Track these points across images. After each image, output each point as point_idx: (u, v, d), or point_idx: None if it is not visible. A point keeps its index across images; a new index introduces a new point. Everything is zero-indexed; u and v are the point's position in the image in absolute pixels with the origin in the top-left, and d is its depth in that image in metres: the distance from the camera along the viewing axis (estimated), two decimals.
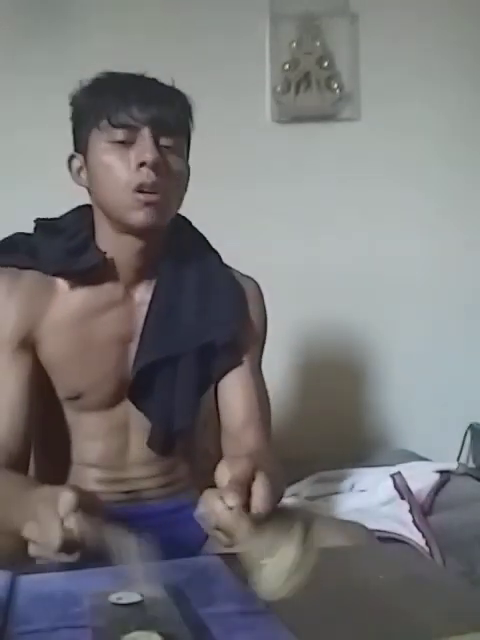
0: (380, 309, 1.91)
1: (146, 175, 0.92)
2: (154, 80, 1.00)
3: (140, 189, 0.92)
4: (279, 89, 1.87)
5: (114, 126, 0.94)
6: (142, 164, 0.92)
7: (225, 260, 1.12)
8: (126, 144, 0.94)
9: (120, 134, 0.94)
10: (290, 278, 1.84)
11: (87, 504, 0.72)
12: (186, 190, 1.04)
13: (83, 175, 1.00)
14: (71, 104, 1.00)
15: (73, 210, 1.07)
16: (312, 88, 1.88)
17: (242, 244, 1.78)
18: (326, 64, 1.87)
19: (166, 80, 1.01)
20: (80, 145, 0.99)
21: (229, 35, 1.86)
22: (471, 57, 1.93)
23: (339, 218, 1.90)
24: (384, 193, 1.91)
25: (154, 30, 1.84)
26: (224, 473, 0.80)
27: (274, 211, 1.87)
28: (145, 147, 0.93)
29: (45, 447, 1.07)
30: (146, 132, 0.93)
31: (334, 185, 1.90)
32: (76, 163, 1.01)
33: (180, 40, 1.84)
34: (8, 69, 1.81)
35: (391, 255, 1.92)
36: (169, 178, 0.95)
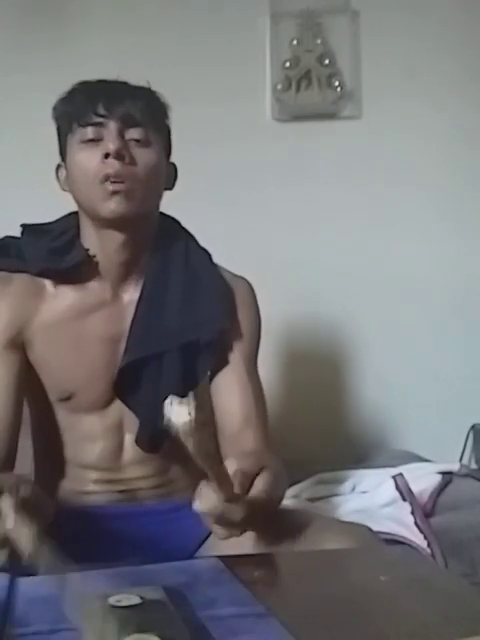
0: (381, 308, 1.91)
1: (111, 165, 0.96)
2: (124, 82, 1.03)
3: (107, 179, 0.96)
4: (280, 87, 1.87)
5: (83, 126, 0.98)
6: (107, 155, 0.96)
7: (224, 258, 1.12)
8: (96, 141, 0.98)
9: (89, 132, 0.98)
10: (290, 277, 1.84)
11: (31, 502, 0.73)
12: (170, 186, 1.06)
13: (67, 181, 1.03)
14: (53, 117, 1.04)
15: (61, 216, 1.10)
16: (313, 86, 1.87)
17: (241, 242, 1.79)
18: (327, 62, 1.87)
19: (143, 81, 1.03)
20: (63, 154, 1.03)
21: (229, 33, 1.86)
22: (472, 54, 1.93)
23: (339, 216, 1.90)
24: (384, 191, 1.91)
25: (154, 29, 1.84)
26: (231, 465, 0.79)
27: (274, 209, 1.87)
28: (109, 139, 0.96)
29: (45, 449, 1.08)
30: (112, 126, 0.97)
31: (334, 183, 1.89)
32: (62, 172, 1.05)
33: (180, 38, 1.84)
34: (8, 68, 1.81)
35: (391, 254, 1.91)
36: (137, 168, 0.98)
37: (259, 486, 0.77)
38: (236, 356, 1.06)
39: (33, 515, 0.70)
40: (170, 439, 1.03)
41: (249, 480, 0.76)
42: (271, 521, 0.83)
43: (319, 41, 1.87)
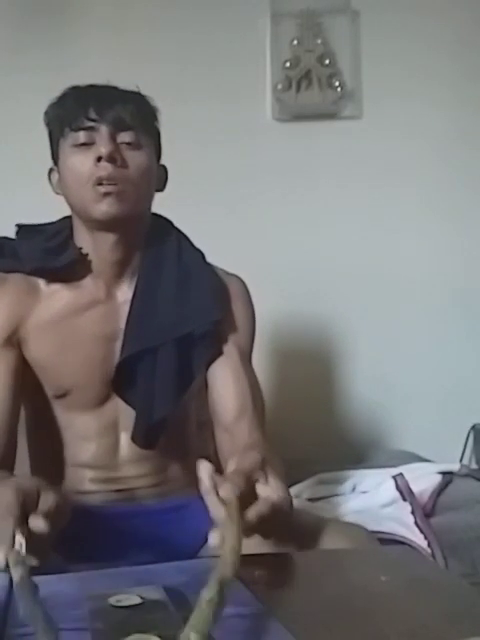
0: (381, 308, 1.91)
1: (103, 168, 0.97)
2: (114, 86, 1.04)
3: (99, 182, 0.97)
4: (280, 87, 1.87)
5: (74, 130, 0.99)
6: (99, 159, 0.97)
7: (223, 256, 1.13)
8: (88, 145, 0.99)
9: (81, 137, 0.99)
10: (290, 276, 1.84)
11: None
12: (161, 187, 1.08)
13: (60, 184, 1.04)
14: (44, 122, 1.04)
15: (58, 219, 1.11)
16: (313, 86, 1.88)
17: (241, 241, 1.79)
18: (327, 62, 1.87)
19: (134, 85, 1.04)
20: (55, 157, 1.04)
21: (230, 33, 1.86)
22: (472, 55, 1.93)
23: (340, 216, 1.90)
24: (385, 191, 1.91)
25: (154, 29, 1.84)
26: (230, 465, 0.79)
27: (274, 209, 1.87)
28: (101, 143, 0.98)
29: (42, 448, 1.08)
30: (103, 130, 0.99)
31: (335, 183, 1.90)
32: (55, 176, 1.06)
33: (180, 38, 1.84)
34: (8, 69, 1.81)
35: (391, 254, 1.91)
36: (129, 171, 0.99)
37: (268, 491, 0.76)
38: (231, 348, 1.06)
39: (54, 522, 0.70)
40: (168, 437, 1.04)
41: (243, 479, 0.75)
42: (288, 522, 0.81)
43: (319, 41, 1.87)
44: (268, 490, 0.75)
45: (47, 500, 0.71)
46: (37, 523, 0.68)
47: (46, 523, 0.68)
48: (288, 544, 0.87)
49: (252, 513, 0.72)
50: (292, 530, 0.88)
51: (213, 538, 0.68)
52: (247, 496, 0.73)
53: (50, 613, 0.57)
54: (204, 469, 0.76)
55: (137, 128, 1.00)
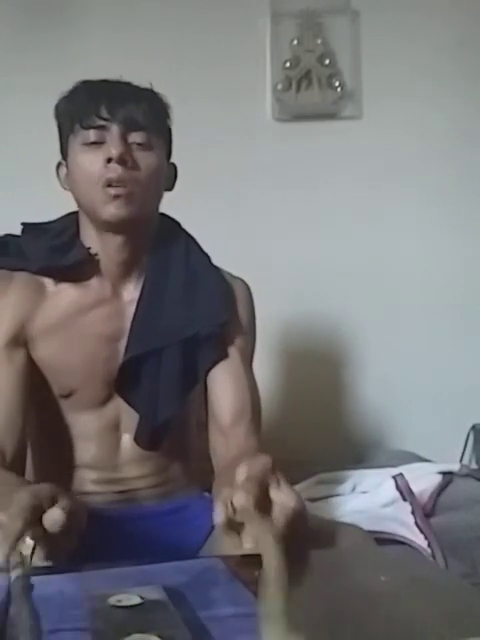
0: (381, 309, 1.91)
1: (113, 170, 0.96)
2: (127, 83, 1.02)
3: (109, 183, 0.96)
4: (280, 87, 1.87)
5: (85, 128, 0.98)
6: (109, 160, 0.96)
7: (224, 257, 1.13)
8: (98, 144, 0.98)
9: (92, 135, 0.98)
10: (290, 276, 1.84)
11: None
12: (170, 187, 1.07)
13: (68, 180, 1.03)
14: (54, 116, 1.03)
15: (61, 216, 1.10)
16: (313, 86, 1.88)
17: (242, 241, 1.79)
18: (327, 62, 1.87)
19: (145, 82, 1.03)
20: (64, 152, 1.03)
21: (230, 33, 1.86)
22: (472, 55, 1.93)
23: (339, 216, 1.90)
24: (385, 191, 1.91)
25: (154, 29, 1.84)
26: (241, 473, 0.76)
27: (274, 209, 1.87)
28: (112, 143, 0.96)
29: (44, 450, 1.08)
30: (114, 129, 0.97)
31: (334, 183, 1.90)
32: (63, 170, 1.05)
33: (180, 38, 1.85)
34: (8, 69, 1.81)
35: (391, 254, 1.92)
36: (139, 172, 0.98)
37: (282, 497, 0.73)
38: (232, 350, 1.06)
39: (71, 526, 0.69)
40: (169, 437, 1.04)
41: (256, 484, 0.72)
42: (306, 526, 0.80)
43: (319, 41, 1.87)
44: (282, 496, 0.73)
45: (62, 504, 0.70)
46: (54, 514, 0.68)
47: (63, 514, 0.68)
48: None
49: (279, 520, 0.71)
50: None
51: (247, 541, 0.68)
52: (261, 501, 0.71)
53: (44, 614, 0.57)
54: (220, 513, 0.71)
55: (149, 128, 0.98)
